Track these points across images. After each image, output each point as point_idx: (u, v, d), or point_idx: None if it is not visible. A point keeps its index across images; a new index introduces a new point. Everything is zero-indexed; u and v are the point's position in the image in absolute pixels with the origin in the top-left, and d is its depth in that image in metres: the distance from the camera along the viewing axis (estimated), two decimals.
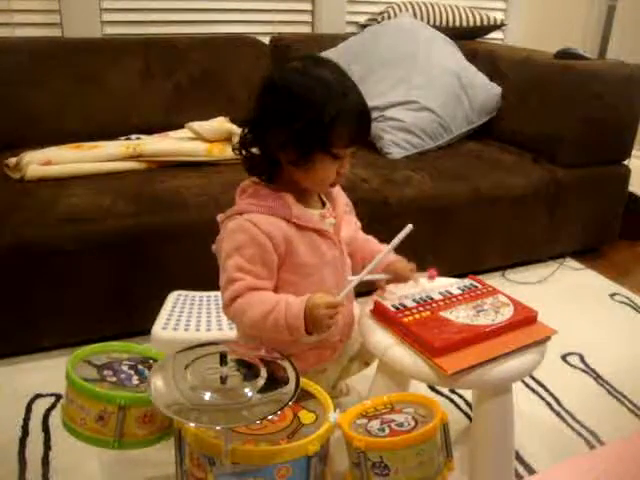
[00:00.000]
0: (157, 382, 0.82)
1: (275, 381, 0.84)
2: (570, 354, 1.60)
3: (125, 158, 1.75)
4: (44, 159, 1.67)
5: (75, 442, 1.11)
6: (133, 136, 1.93)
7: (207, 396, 0.80)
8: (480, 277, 1.26)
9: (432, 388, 1.45)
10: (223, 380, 0.82)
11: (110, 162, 1.73)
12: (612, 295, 1.93)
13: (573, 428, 1.36)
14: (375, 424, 0.91)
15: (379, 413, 0.95)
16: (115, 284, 1.54)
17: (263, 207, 1.03)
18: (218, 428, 0.79)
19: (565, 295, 1.88)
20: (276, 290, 1.06)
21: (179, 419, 0.79)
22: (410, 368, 1.03)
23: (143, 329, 1.44)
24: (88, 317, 1.55)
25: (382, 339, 1.08)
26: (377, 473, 0.86)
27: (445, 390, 1.46)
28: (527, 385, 1.48)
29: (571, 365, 1.57)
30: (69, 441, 1.21)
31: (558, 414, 1.41)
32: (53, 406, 1.36)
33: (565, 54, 2.09)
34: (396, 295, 1.16)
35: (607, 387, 1.51)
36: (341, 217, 1.13)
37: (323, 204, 1.13)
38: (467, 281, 1.24)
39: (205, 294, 1.53)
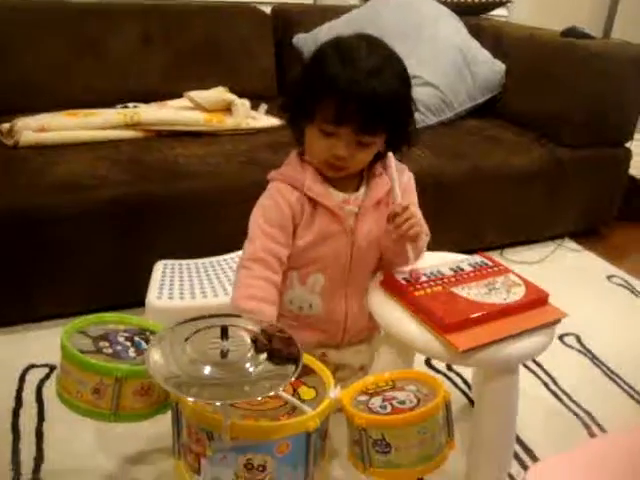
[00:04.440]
0: (155, 355, 0.80)
1: (277, 356, 0.82)
2: (567, 335, 1.60)
3: (122, 126, 1.71)
4: (38, 125, 1.63)
5: (69, 413, 1.10)
6: (130, 104, 1.89)
7: (207, 370, 0.79)
8: None
9: (429, 365, 1.45)
10: (224, 354, 0.80)
11: (106, 130, 1.70)
12: (609, 277, 1.93)
13: (569, 408, 1.37)
14: (377, 401, 0.90)
15: (381, 390, 0.94)
16: (110, 254, 1.52)
17: (283, 175, 1.08)
18: (218, 404, 0.78)
19: (562, 276, 1.87)
20: None
21: (178, 393, 0.78)
22: (419, 343, 1.01)
23: (138, 300, 1.42)
24: (82, 287, 1.52)
25: (391, 311, 1.06)
26: (378, 451, 0.85)
27: (443, 368, 1.45)
28: (524, 364, 1.48)
29: (568, 345, 1.57)
30: (63, 412, 1.19)
31: (554, 394, 1.41)
32: (47, 377, 1.35)
33: (571, 33, 2.05)
34: (407, 269, 1.14)
35: (603, 368, 1.51)
36: (369, 209, 1.09)
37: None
38: (477, 258, 1.21)
39: (192, 261, 1.52)
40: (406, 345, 1.06)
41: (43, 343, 1.45)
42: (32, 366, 1.38)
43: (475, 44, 2.20)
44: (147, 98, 1.96)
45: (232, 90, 2.00)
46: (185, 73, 2.08)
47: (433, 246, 1.36)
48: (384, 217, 1.07)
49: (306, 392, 0.93)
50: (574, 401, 1.39)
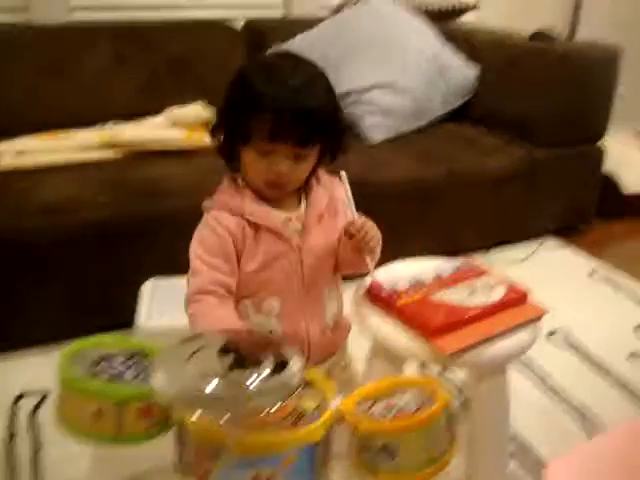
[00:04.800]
0: (158, 375, 0.79)
1: (280, 369, 0.82)
2: (554, 332, 1.63)
3: (101, 147, 1.70)
4: (17, 149, 1.62)
5: (65, 440, 1.08)
6: (107, 124, 1.88)
7: (211, 387, 0.79)
8: None
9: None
10: (227, 370, 0.80)
11: (86, 151, 1.69)
12: (591, 273, 1.97)
13: (561, 404, 1.39)
14: (378, 408, 0.91)
15: (380, 397, 0.94)
16: (97, 275, 1.51)
17: (219, 202, 1.05)
18: (223, 420, 0.77)
19: (546, 274, 1.90)
20: None
21: (183, 412, 0.78)
22: (407, 349, 1.02)
23: (128, 321, 1.41)
24: (69, 312, 1.51)
25: (379, 322, 1.07)
26: (384, 457, 0.85)
27: (435, 373, 1.46)
28: (513, 363, 1.50)
29: (555, 343, 1.60)
30: (59, 439, 1.18)
31: (546, 392, 1.43)
32: (39, 405, 1.32)
33: (538, 37, 2.10)
34: (390, 276, 1.16)
35: (591, 363, 1.54)
36: (312, 224, 1.06)
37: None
38: (457, 261, 1.24)
39: (182, 278, 1.50)
40: (396, 353, 1.08)
41: (31, 371, 1.42)
42: (22, 395, 1.35)
43: (448, 49, 2.24)
44: (123, 117, 1.95)
45: (208, 105, 2.00)
46: (160, 91, 2.07)
47: (416, 250, 1.38)
48: (330, 230, 1.07)
49: (307, 403, 0.93)
50: (566, 397, 1.41)
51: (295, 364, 0.83)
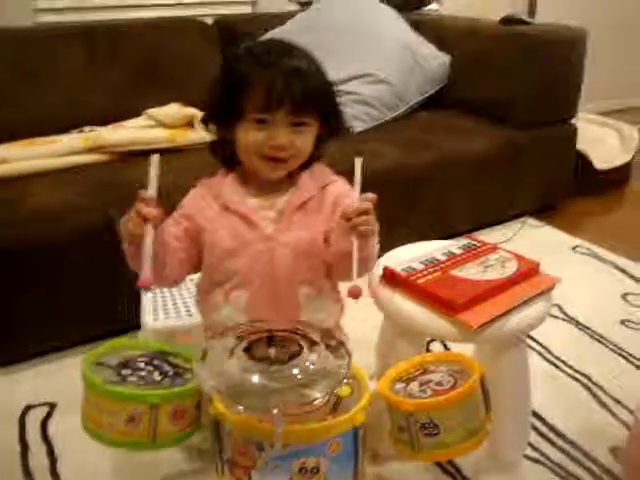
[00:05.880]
0: (203, 371, 0.78)
1: (322, 357, 0.83)
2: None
3: (85, 151, 1.66)
4: None
5: (81, 448, 1.07)
6: (86, 128, 1.83)
7: (258, 379, 0.78)
8: None
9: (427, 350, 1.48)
10: (271, 361, 0.80)
11: (69, 156, 1.64)
12: (574, 248, 2.03)
13: (567, 373, 1.43)
14: (414, 387, 0.92)
15: (413, 376, 0.96)
16: (94, 281, 1.47)
17: (202, 183, 1.09)
18: (275, 412, 0.77)
19: (532, 252, 1.87)
20: (202, 277, 1.10)
21: (228, 406, 0.77)
22: (431, 328, 1.04)
23: (133, 324, 1.38)
24: (70, 319, 1.47)
25: (398, 303, 1.08)
26: (427, 434, 0.87)
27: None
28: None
29: (552, 316, 1.64)
30: (74, 448, 1.16)
31: (551, 362, 1.47)
32: (48, 415, 1.29)
33: (509, 20, 2.15)
34: (400, 259, 1.17)
35: (588, 332, 1.59)
36: (290, 214, 1.03)
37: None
38: (464, 240, 1.26)
39: None
40: (418, 332, 1.09)
41: (35, 382, 1.39)
42: (29, 407, 1.32)
43: (419, 39, 2.26)
44: (102, 120, 1.90)
45: (185, 103, 1.98)
46: (135, 91, 2.02)
47: (406, 237, 1.39)
48: (313, 225, 1.03)
49: (343, 389, 0.93)
50: (570, 366, 1.45)
51: (342, 354, 0.83)
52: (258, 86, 0.95)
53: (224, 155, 1.08)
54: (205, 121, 1.08)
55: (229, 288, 1.04)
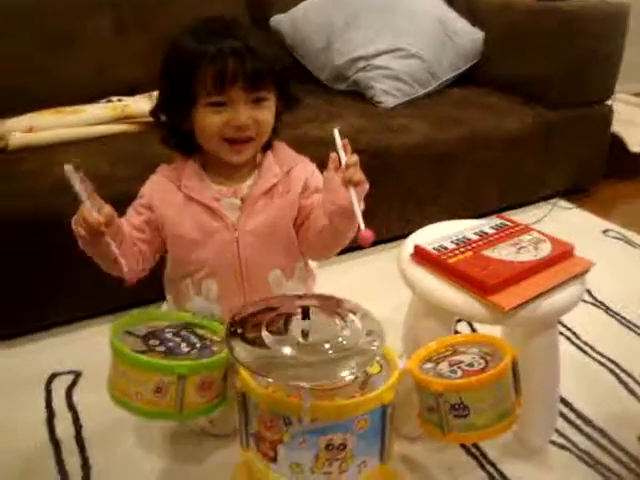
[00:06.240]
0: (236, 343, 0.78)
1: (354, 334, 0.81)
2: None
3: (113, 121, 1.65)
4: (26, 126, 1.56)
5: (105, 416, 1.08)
6: (114, 98, 1.82)
7: (290, 352, 0.77)
8: None
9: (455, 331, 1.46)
10: (305, 335, 0.79)
11: (97, 125, 1.63)
12: (604, 231, 1.98)
13: (595, 359, 1.40)
14: (444, 367, 0.90)
15: (443, 356, 0.94)
16: None
17: (162, 170, 1.07)
18: (307, 386, 0.76)
19: (562, 234, 1.84)
20: (171, 267, 1.10)
21: (257, 379, 0.76)
22: (462, 308, 1.02)
23: (157, 296, 1.38)
24: (93, 290, 1.47)
25: (429, 282, 1.06)
26: (457, 415, 0.85)
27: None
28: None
29: (582, 300, 1.60)
30: (99, 416, 1.17)
31: (579, 347, 1.44)
32: (74, 383, 1.30)
33: None
34: (430, 238, 1.15)
35: (617, 318, 1.56)
36: (255, 201, 1.02)
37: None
38: (497, 220, 1.23)
39: None
40: (448, 312, 1.07)
41: (60, 350, 1.40)
42: (54, 375, 1.33)
43: (452, 14, 2.20)
44: (129, 90, 1.89)
45: None
46: None
47: (436, 215, 1.36)
48: (281, 209, 1.02)
49: (373, 367, 0.92)
50: (598, 352, 1.42)
51: (375, 331, 0.81)
52: (207, 67, 0.92)
53: (178, 143, 1.05)
54: (155, 114, 1.05)
55: (198, 278, 1.05)
